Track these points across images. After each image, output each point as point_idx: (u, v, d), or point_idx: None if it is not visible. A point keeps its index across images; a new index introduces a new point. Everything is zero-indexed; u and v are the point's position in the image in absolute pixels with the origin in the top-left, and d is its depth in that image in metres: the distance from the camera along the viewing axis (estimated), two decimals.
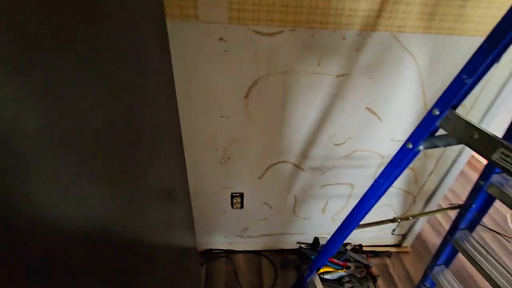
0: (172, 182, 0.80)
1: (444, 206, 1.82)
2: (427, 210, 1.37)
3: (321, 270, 1.36)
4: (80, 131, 0.32)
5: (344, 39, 0.85)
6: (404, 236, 1.54)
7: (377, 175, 0.68)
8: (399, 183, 1.27)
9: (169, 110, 0.73)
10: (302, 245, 1.47)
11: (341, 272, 1.35)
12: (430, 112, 0.49)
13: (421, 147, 0.52)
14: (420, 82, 0.96)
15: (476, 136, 0.42)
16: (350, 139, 1.09)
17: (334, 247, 0.76)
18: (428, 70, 0.93)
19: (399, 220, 0.76)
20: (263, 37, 0.83)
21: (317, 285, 0.87)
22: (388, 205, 1.36)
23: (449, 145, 0.47)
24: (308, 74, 0.91)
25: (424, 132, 0.50)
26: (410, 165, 1.20)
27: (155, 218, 0.63)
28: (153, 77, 0.61)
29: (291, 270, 1.42)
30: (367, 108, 1.01)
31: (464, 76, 0.44)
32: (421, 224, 1.48)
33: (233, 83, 0.91)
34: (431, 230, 1.66)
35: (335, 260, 1.38)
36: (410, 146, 0.52)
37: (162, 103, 0.68)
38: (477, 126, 0.42)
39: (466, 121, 0.44)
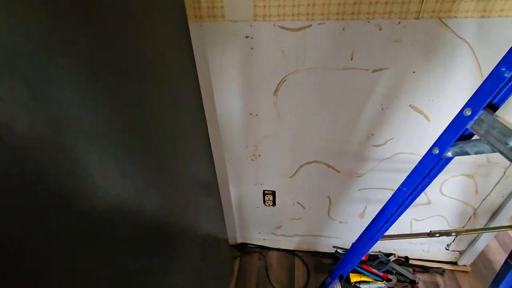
0: (199, 175, 0.84)
1: None
2: (491, 226, 1.16)
3: (358, 279, 1.27)
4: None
5: (380, 29, 0.77)
6: (462, 253, 1.33)
7: None
8: (454, 192, 1.10)
9: (194, 107, 0.77)
10: (339, 250, 1.40)
11: (380, 284, 1.25)
12: (461, 112, 0.42)
13: (449, 154, 0.44)
14: (479, 76, 0.81)
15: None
16: (391, 140, 0.99)
17: (356, 257, 0.70)
18: (490, 62, 0.78)
19: (437, 235, 0.67)
20: (289, 32, 0.80)
21: None
22: (441, 216, 1.20)
23: (481, 152, 0.39)
24: (340, 69, 0.85)
25: (452, 136, 0.42)
26: (468, 172, 1.03)
27: (182, 204, 0.71)
28: (176, 78, 0.65)
29: (324, 274, 1.36)
30: (411, 106, 0.90)
31: (503, 69, 0.36)
32: (486, 240, 1.26)
33: (261, 80, 0.91)
34: (500, 248, 1.40)
35: (374, 270, 1.27)
36: (437, 151, 0.45)
37: (186, 101, 0.72)
38: None
39: (502, 124, 0.35)
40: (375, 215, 1.23)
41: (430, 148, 0.46)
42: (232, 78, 0.91)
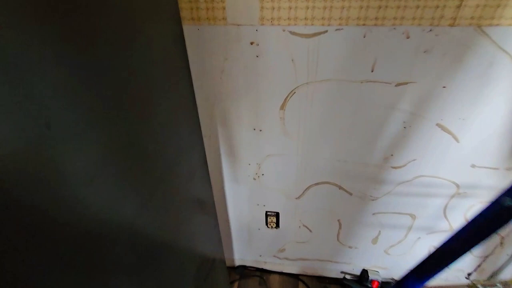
0: (194, 195, 0.74)
1: None
2: None
3: None
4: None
5: (408, 37, 0.66)
6: None
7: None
8: None
9: (189, 123, 0.66)
10: (347, 276, 1.28)
11: None
12: None
13: None
14: None
15: None
16: (413, 161, 0.87)
17: None
18: None
19: (479, 287, 0.54)
20: (301, 39, 0.69)
21: None
22: None
23: None
24: (358, 82, 0.74)
25: None
26: None
27: (177, 224, 0.63)
28: (169, 93, 0.54)
29: None
30: (438, 125, 0.79)
31: None
32: None
33: (267, 92, 0.79)
34: None
35: None
36: (510, 203, 0.33)
37: (181, 117, 0.61)
38: None
39: None
40: (391, 241, 1.11)
41: (498, 198, 0.35)
42: (233, 90, 0.80)
